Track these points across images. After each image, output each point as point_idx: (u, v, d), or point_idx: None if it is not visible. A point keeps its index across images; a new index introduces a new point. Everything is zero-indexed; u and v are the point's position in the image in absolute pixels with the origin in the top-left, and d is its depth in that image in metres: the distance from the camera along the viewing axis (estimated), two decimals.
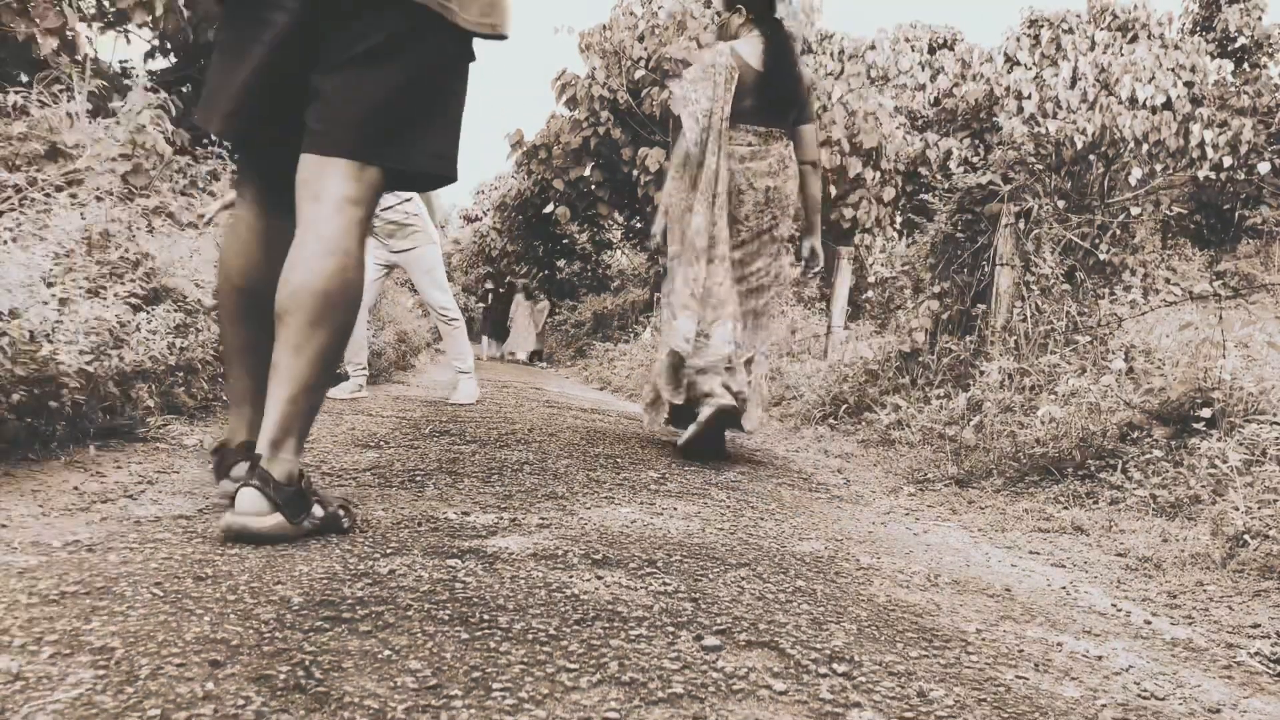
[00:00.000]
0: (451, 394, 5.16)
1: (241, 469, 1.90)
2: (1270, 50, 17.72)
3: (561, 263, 20.44)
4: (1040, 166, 4.65)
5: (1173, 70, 14.76)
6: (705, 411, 3.41)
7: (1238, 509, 2.34)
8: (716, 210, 3.64)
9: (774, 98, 3.76)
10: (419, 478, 2.50)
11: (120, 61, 8.84)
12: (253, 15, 1.79)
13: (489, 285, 21.01)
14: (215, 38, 1.92)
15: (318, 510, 1.79)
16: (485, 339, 19.62)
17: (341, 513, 1.84)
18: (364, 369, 4.82)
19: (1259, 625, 1.78)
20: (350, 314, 1.79)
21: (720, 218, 3.64)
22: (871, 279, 12.02)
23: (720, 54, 3.73)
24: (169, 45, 9.00)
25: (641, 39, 12.60)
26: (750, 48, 3.76)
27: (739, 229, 3.74)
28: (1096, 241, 4.49)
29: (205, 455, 2.54)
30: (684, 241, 3.69)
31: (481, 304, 21.21)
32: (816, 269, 4.12)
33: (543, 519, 2.12)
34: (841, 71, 13.30)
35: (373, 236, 4.76)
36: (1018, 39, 17.74)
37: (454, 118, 1.94)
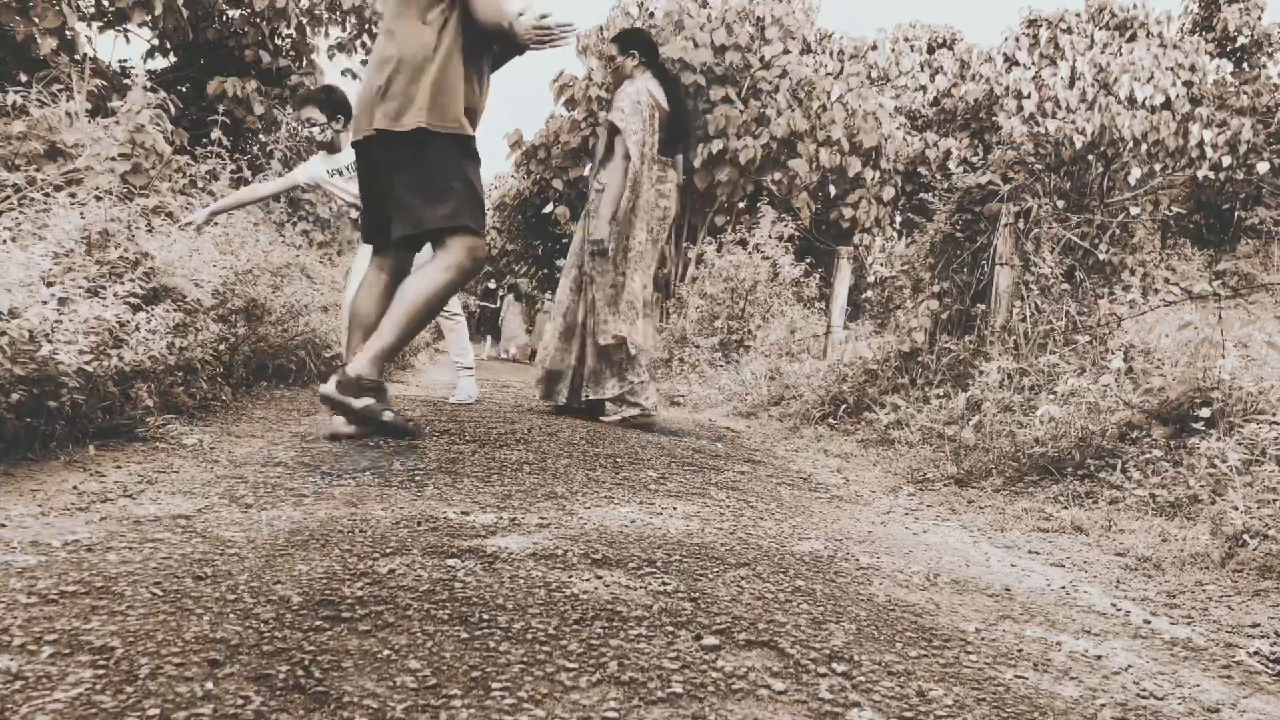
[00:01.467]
0: (451, 393, 5.15)
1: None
2: (1269, 50, 17.71)
3: (561, 262, 20.46)
4: (1039, 166, 4.65)
5: (1171, 70, 14.76)
6: (631, 412, 4.42)
7: (1237, 509, 2.34)
8: (650, 231, 4.46)
9: (675, 132, 4.48)
10: (418, 477, 2.50)
11: (119, 61, 8.84)
12: None
13: (491, 285, 20.98)
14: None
15: (388, 415, 2.89)
16: (489, 339, 19.63)
17: (411, 425, 2.98)
18: None
19: (1258, 625, 1.78)
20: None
21: (649, 237, 4.48)
22: (871, 279, 12.03)
23: (641, 93, 4.36)
24: (168, 45, 9.00)
25: None
26: (654, 88, 4.42)
27: None
28: (1096, 241, 4.49)
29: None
30: (627, 254, 4.42)
31: (483, 303, 21.19)
32: (664, 270, 5.09)
33: (542, 518, 2.12)
34: (841, 71, 13.30)
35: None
36: (1017, 39, 17.73)
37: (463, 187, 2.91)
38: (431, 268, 2.90)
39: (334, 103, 4.46)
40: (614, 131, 4.39)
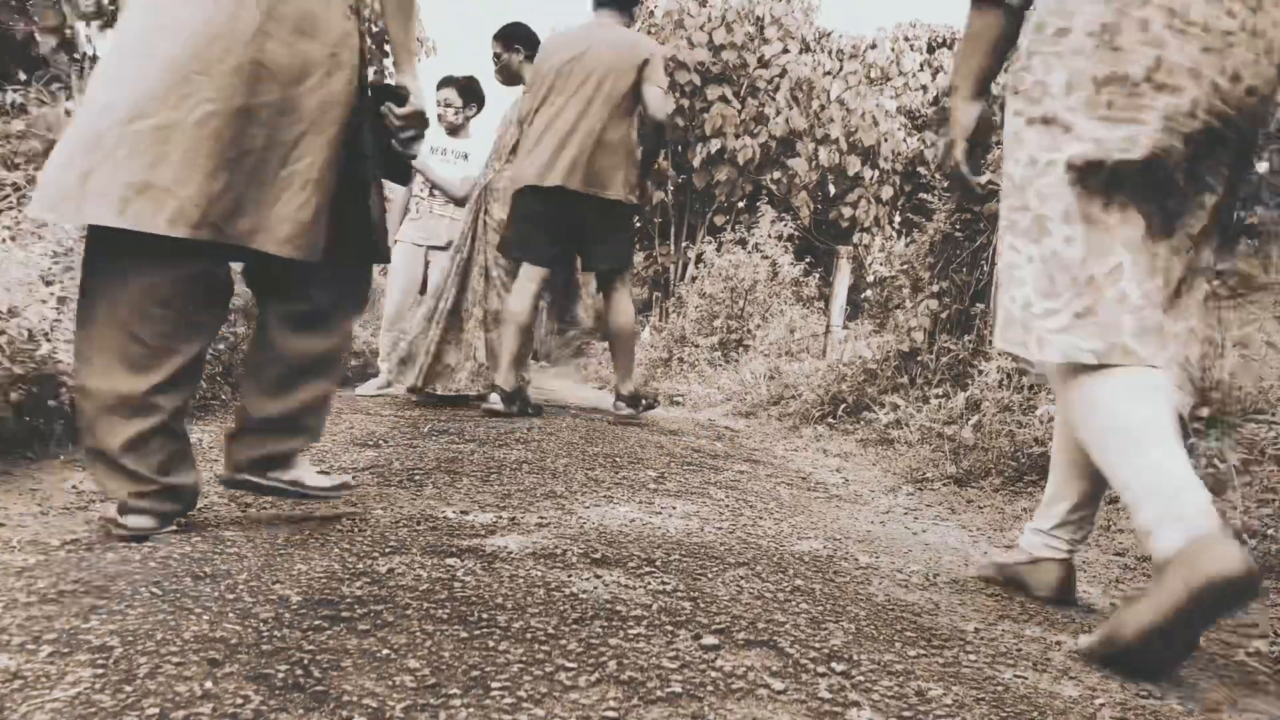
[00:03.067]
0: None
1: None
2: None
3: None
4: None
5: None
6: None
7: (1236, 508, 2.34)
8: None
9: None
10: (417, 476, 2.50)
11: None
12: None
13: None
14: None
15: (531, 411, 4.23)
16: None
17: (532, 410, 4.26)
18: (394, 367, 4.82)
19: (1257, 625, 1.78)
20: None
21: None
22: (870, 278, 12.03)
23: None
24: None
25: None
26: None
27: None
28: None
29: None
30: None
31: None
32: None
33: (541, 518, 2.12)
34: (840, 70, 13.29)
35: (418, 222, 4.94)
36: None
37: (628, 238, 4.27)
38: (623, 303, 4.08)
39: (472, 92, 4.95)
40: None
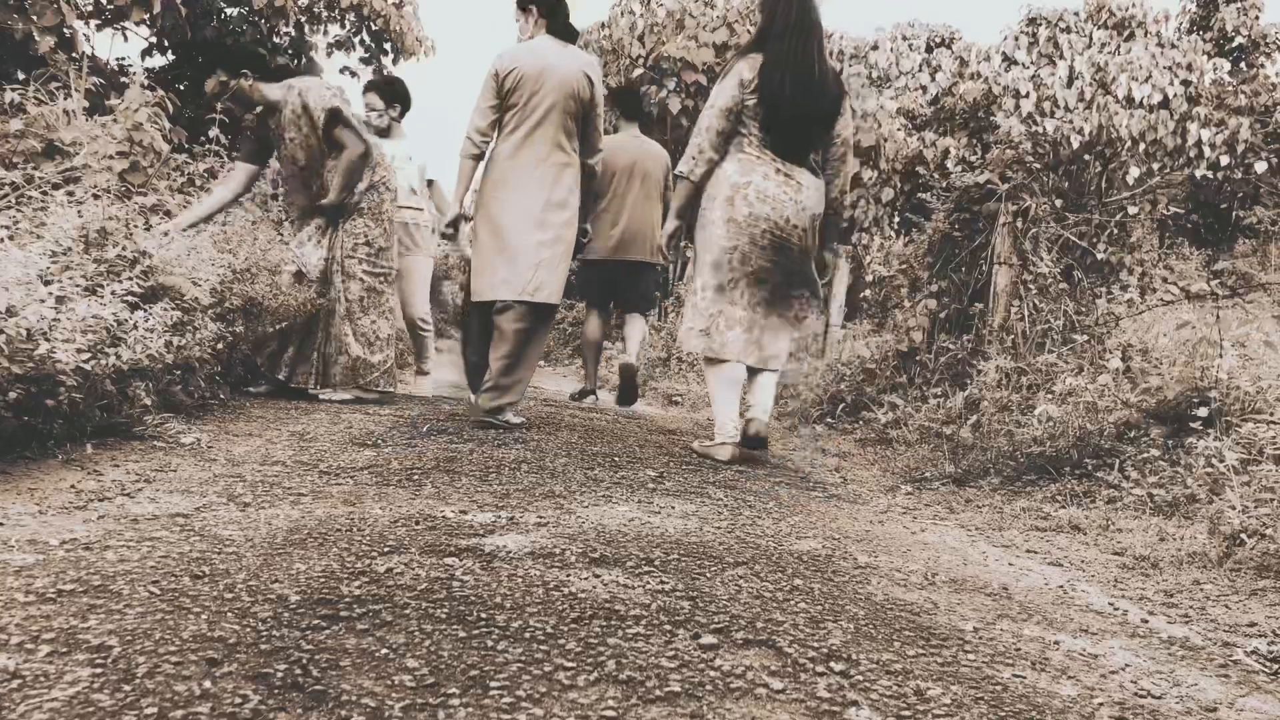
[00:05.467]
0: (415, 389, 5.42)
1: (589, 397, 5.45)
2: (1267, 50, 17.72)
3: None
4: (1038, 165, 4.64)
5: (1169, 69, 14.75)
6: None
7: (1234, 508, 2.34)
8: None
9: None
10: (416, 476, 2.50)
11: (118, 59, 8.82)
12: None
13: None
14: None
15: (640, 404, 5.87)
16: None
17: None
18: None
19: (1255, 624, 1.78)
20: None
21: None
22: (869, 278, 12.01)
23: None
24: (166, 43, 8.98)
25: (640, 38, 12.56)
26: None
27: None
28: (1094, 240, 4.49)
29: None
30: None
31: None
32: None
33: (540, 517, 2.12)
34: (841, 72, 13.29)
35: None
36: (1015, 37, 17.72)
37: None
38: (637, 332, 5.53)
39: (394, 93, 4.98)
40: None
